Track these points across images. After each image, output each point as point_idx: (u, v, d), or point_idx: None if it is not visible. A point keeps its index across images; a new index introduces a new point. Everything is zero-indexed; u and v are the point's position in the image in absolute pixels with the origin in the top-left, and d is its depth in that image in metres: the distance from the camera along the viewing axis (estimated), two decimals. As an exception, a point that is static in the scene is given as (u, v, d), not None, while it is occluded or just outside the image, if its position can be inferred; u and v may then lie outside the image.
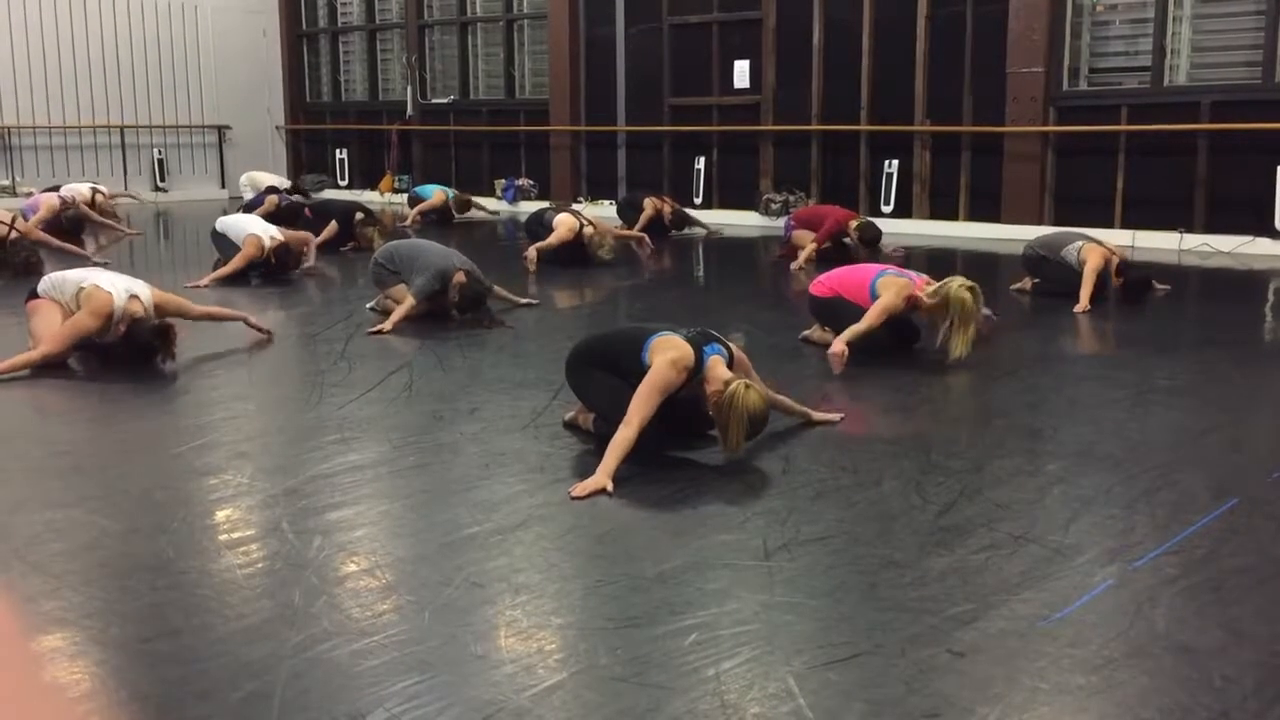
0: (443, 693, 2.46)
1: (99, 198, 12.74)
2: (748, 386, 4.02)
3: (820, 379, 5.61)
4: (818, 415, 4.71)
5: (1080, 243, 7.78)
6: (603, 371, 4.36)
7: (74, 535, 3.46)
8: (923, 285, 5.79)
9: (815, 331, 6.24)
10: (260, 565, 3.22)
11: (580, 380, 4.46)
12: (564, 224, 9.59)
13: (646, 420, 4.03)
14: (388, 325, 6.75)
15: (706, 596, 2.98)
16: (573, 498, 3.75)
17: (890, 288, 5.79)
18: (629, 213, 11.92)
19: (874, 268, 6.12)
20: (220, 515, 3.68)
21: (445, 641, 2.72)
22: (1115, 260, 7.73)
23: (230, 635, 2.77)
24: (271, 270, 8.85)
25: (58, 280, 6.04)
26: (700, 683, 2.51)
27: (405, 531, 3.54)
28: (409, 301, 6.91)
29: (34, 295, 6.02)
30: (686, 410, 4.46)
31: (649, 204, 11.85)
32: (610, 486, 3.81)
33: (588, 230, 9.55)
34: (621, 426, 4.00)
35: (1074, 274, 7.61)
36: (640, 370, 4.18)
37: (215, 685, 2.53)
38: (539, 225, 10.00)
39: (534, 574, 3.15)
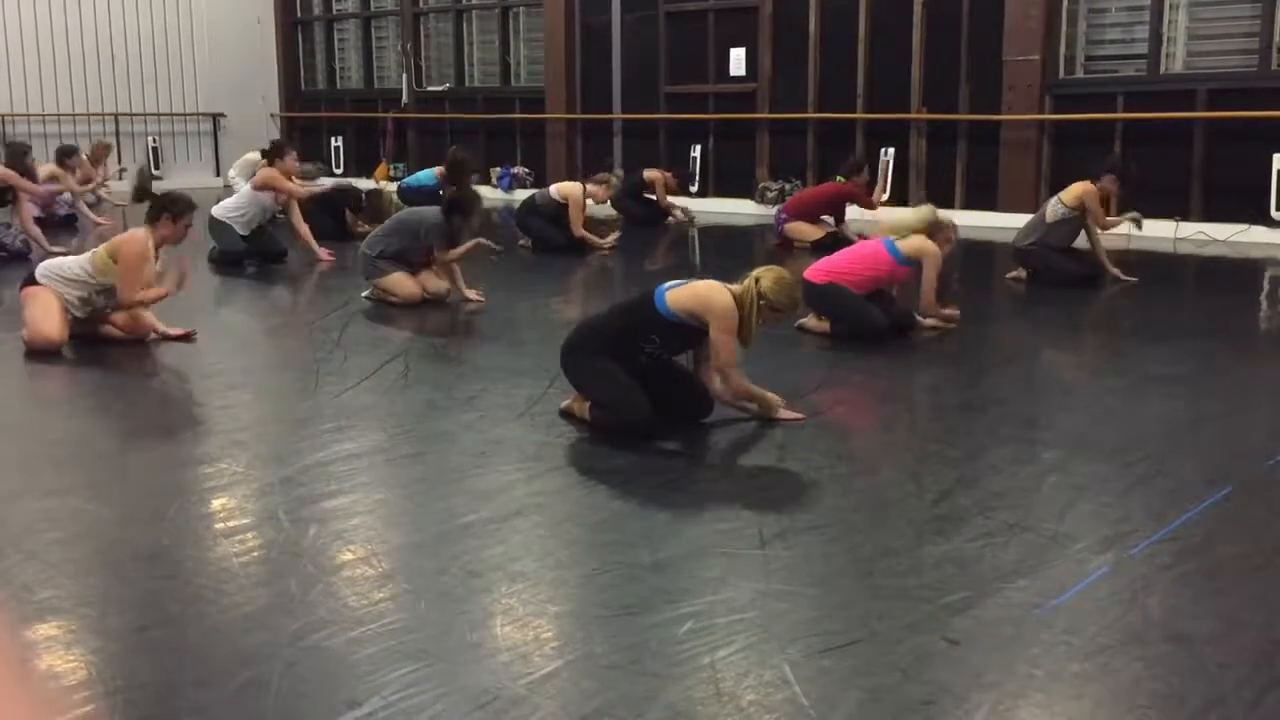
0: (439, 680, 2.47)
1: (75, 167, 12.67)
2: (759, 279, 4.38)
3: (817, 367, 5.61)
4: (780, 413, 4.55)
5: (1052, 199, 7.82)
6: (602, 358, 4.35)
7: (70, 524, 3.46)
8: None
9: (811, 319, 6.23)
10: (256, 554, 3.22)
11: (577, 369, 4.45)
12: (571, 191, 9.75)
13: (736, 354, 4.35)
14: (472, 294, 7.12)
15: (702, 584, 2.98)
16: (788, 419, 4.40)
17: (923, 246, 6.07)
18: (627, 203, 11.89)
19: (874, 240, 6.27)
20: (216, 504, 3.68)
21: (441, 630, 2.72)
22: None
23: (227, 623, 2.77)
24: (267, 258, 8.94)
25: (55, 266, 6.01)
26: (696, 670, 2.51)
27: (401, 520, 3.54)
28: (452, 258, 7.08)
29: (29, 283, 5.96)
30: (685, 396, 4.47)
31: (654, 175, 11.86)
32: (781, 405, 4.43)
33: (590, 188, 9.89)
34: (726, 376, 4.33)
35: (1068, 231, 7.66)
36: (655, 315, 4.30)
37: (212, 673, 2.53)
38: (531, 214, 9.95)
39: (530, 562, 3.15)
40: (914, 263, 6.08)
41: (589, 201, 9.89)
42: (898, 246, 6.07)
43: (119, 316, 6.02)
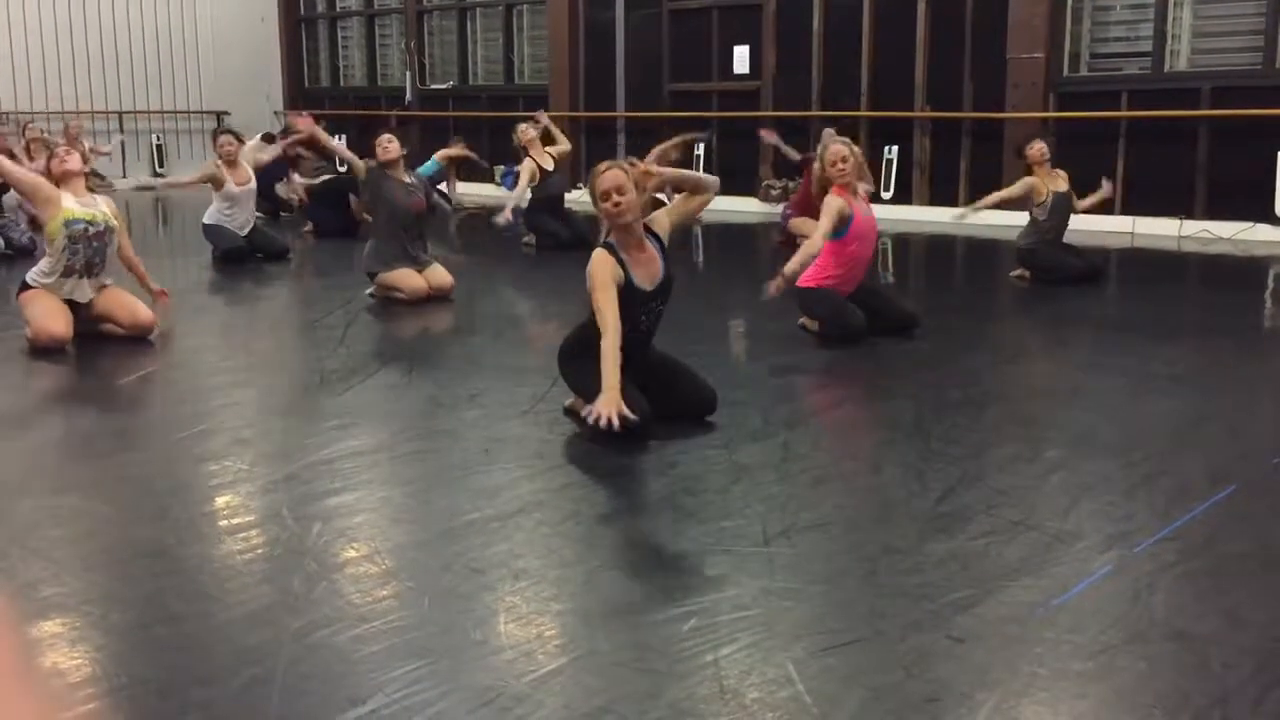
0: (442, 678, 2.47)
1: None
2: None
3: (822, 365, 5.60)
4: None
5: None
6: (590, 357, 4.33)
7: (73, 522, 3.47)
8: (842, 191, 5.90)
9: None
10: (260, 551, 3.22)
11: (571, 371, 4.45)
12: (525, 169, 9.67)
13: (614, 318, 4.07)
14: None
15: (706, 582, 2.98)
16: (593, 424, 3.86)
17: (829, 202, 5.86)
18: None
19: None
20: (220, 501, 3.68)
21: (445, 627, 2.72)
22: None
23: (230, 621, 2.78)
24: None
25: (35, 268, 6.02)
26: (699, 668, 2.51)
27: (405, 518, 3.54)
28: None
29: (25, 287, 5.97)
30: (689, 393, 4.46)
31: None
32: (617, 409, 3.86)
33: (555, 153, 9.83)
34: (603, 339, 4.05)
35: (1053, 213, 7.65)
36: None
37: (216, 671, 2.53)
38: (536, 212, 9.94)
39: (533, 560, 3.16)
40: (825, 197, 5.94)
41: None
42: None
43: (121, 314, 6.02)
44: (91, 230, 5.90)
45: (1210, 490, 3.66)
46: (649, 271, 4.31)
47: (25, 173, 6.20)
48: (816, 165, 5.97)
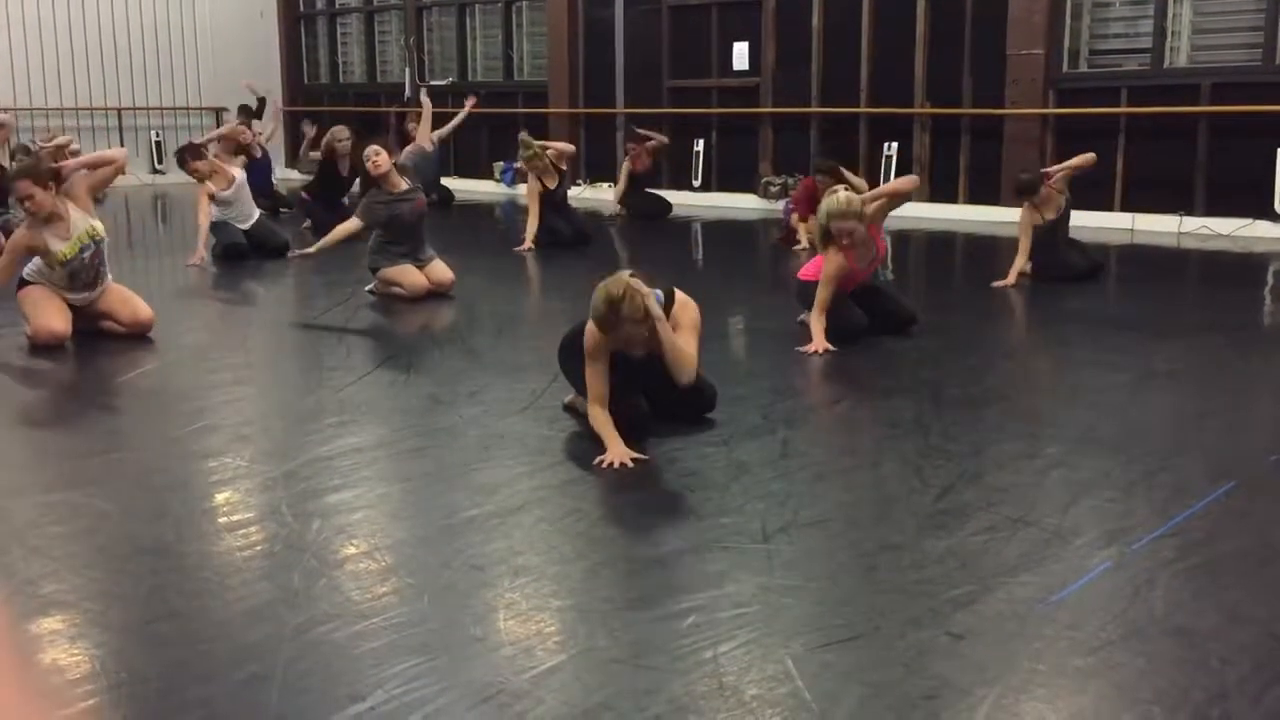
0: (442, 675, 2.47)
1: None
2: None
3: (821, 362, 5.60)
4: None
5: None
6: None
7: (73, 519, 3.47)
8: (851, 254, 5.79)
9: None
10: (260, 548, 3.22)
11: (571, 368, 4.45)
12: (533, 195, 9.67)
13: (601, 390, 4.07)
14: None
15: (705, 579, 2.98)
16: (605, 468, 3.85)
17: (830, 258, 5.78)
18: (633, 198, 11.94)
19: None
20: (220, 498, 3.68)
21: (445, 624, 2.72)
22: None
23: (230, 618, 2.78)
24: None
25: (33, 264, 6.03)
26: (698, 665, 2.51)
27: (405, 514, 3.54)
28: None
29: (23, 284, 5.96)
30: (688, 390, 4.45)
31: (626, 163, 12.07)
32: (626, 454, 3.88)
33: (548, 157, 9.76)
34: (589, 405, 4.09)
35: (1060, 227, 7.67)
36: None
37: (216, 667, 2.53)
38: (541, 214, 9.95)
39: (533, 557, 3.16)
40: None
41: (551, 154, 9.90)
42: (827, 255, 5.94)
43: (123, 312, 6.03)
44: (87, 254, 5.91)
45: (1209, 487, 3.66)
46: (648, 351, 4.23)
47: (5, 256, 5.98)
48: (822, 216, 5.84)
